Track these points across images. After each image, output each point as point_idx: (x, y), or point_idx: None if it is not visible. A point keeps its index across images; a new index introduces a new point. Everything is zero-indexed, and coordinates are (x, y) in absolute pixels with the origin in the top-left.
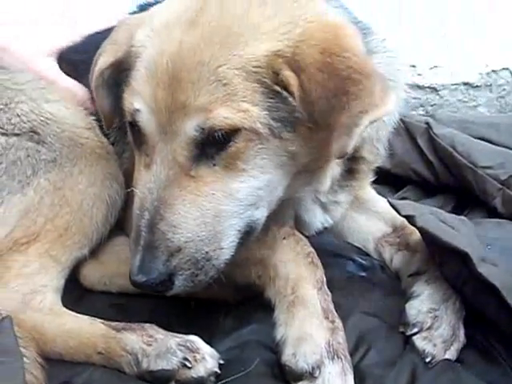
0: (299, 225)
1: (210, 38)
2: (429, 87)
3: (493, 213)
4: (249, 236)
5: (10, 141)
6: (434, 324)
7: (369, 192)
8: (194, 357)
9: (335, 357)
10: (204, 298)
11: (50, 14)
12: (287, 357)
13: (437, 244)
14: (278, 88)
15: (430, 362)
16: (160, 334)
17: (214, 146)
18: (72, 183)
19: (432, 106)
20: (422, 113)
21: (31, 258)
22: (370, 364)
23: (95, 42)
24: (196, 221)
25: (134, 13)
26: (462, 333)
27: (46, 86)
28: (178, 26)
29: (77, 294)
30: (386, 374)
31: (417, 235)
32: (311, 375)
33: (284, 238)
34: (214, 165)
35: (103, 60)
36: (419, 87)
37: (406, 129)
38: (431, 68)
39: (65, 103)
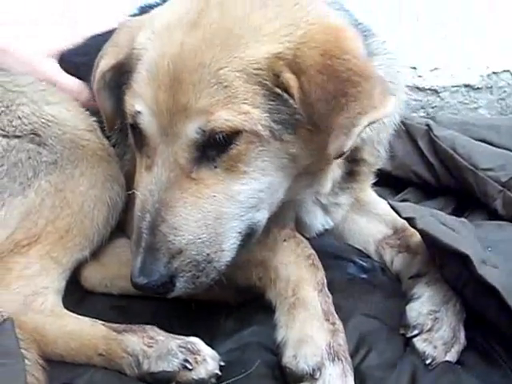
0: (300, 227)
1: (210, 40)
2: (429, 89)
3: (493, 215)
4: (250, 238)
5: (12, 143)
6: (435, 326)
7: (369, 194)
8: (195, 358)
9: (336, 359)
10: (205, 300)
11: (50, 13)
12: (288, 358)
13: (437, 246)
14: (278, 90)
15: (430, 363)
16: (161, 335)
17: (215, 148)
18: (73, 185)
19: (433, 108)
20: (422, 115)
21: (32, 259)
22: (371, 366)
23: (96, 44)
24: (197, 223)
25: (135, 15)
26: (462, 335)
27: (47, 88)
28: (179, 28)
29: (78, 295)
30: (387, 376)
31: (417, 237)
32: (312, 377)
33: (285, 240)
34: (215, 167)
35: (105, 62)
36: (420, 89)
37: (406, 131)
38: (432, 70)
39: (66, 105)
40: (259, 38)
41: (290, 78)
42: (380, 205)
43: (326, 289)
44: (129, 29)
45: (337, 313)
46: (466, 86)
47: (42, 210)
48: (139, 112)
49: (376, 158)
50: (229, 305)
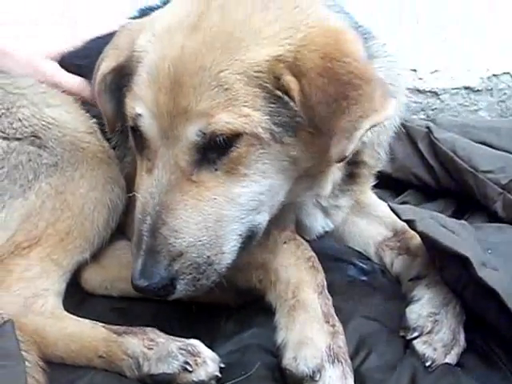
0: (300, 229)
1: (211, 43)
2: (430, 91)
3: (493, 217)
4: (250, 240)
5: (12, 145)
6: (435, 328)
7: (370, 196)
8: (195, 360)
9: (336, 361)
10: (205, 302)
11: (49, 14)
12: (288, 360)
13: (437, 248)
14: (279, 93)
15: (430, 366)
16: (161, 337)
17: (215, 150)
18: (73, 187)
19: (433, 110)
20: (422, 117)
21: (33, 261)
22: (371, 368)
23: (97, 46)
24: (198, 225)
25: (135, 17)
26: (462, 337)
27: (47, 90)
28: (180, 30)
29: (78, 297)
30: (387, 378)
31: (417, 239)
32: (312, 379)
33: (285, 243)
34: (216, 170)
35: (105, 65)
36: (420, 91)
37: (406, 133)
38: (432, 72)
39: (66, 107)
40: (260, 41)
41: (290, 81)
42: (380, 207)
43: (326, 291)
44: (129, 31)
45: (337, 315)
46: (466, 88)
47: (43, 212)
48: (140, 114)
49: (376, 160)
50: (229, 307)
